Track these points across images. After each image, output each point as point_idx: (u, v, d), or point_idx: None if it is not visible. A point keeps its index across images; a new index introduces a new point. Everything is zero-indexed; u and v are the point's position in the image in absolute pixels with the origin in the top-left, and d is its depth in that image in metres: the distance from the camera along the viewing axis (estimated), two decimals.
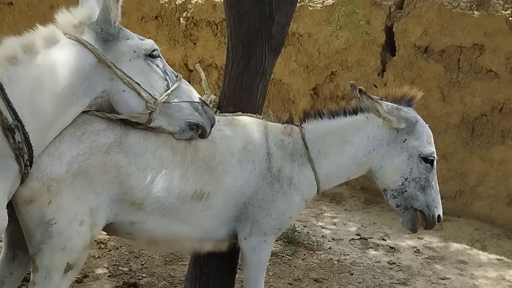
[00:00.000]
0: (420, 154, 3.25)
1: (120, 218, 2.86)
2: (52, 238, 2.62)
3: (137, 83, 2.73)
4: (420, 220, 3.34)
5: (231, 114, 3.45)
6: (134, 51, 2.75)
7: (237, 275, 3.90)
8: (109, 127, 2.77)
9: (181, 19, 9.19)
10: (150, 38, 2.95)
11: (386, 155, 3.28)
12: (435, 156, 3.32)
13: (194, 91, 2.98)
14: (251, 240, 3.16)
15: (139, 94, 2.72)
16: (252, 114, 3.45)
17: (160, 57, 2.87)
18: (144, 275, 4.82)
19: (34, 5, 10.12)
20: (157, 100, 2.77)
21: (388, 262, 5.75)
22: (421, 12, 7.06)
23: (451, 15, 6.83)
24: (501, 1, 6.56)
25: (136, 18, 9.49)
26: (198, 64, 4.04)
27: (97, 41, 2.66)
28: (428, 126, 3.39)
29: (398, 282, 5.28)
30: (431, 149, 3.29)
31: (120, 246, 5.30)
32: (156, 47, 2.84)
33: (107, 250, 5.20)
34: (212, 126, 2.99)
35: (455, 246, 6.38)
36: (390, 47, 7.50)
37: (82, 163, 2.66)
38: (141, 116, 2.77)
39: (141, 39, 2.83)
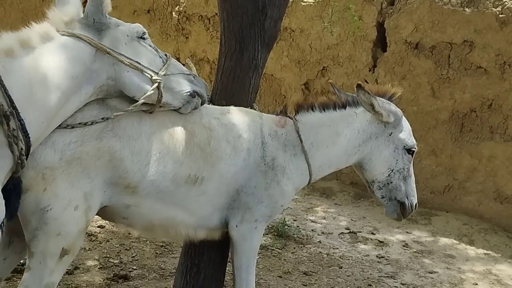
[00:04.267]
0: (405, 146, 3.47)
1: (115, 201, 2.91)
2: (48, 224, 2.67)
3: (137, 62, 2.86)
4: (399, 209, 3.56)
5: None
6: (127, 35, 2.89)
7: (227, 267, 3.94)
8: (100, 113, 2.81)
9: (173, 13, 9.18)
10: None
11: (375, 148, 3.45)
12: (416, 147, 3.55)
13: (182, 65, 3.17)
14: (242, 227, 3.21)
15: (142, 71, 2.86)
16: (245, 108, 3.49)
17: (148, 38, 3.03)
18: (134, 267, 4.83)
19: None
20: (158, 73, 2.91)
21: (377, 256, 5.80)
22: (412, 8, 7.10)
23: (442, 12, 6.88)
24: None
25: (128, 11, 9.47)
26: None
27: (90, 33, 2.77)
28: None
29: (386, 275, 5.33)
30: (413, 141, 3.53)
31: (111, 239, 5.32)
32: (144, 29, 3.00)
33: (98, 242, 5.22)
34: (206, 93, 3.15)
35: (443, 240, 6.44)
36: (381, 43, 7.53)
37: (74, 150, 2.71)
38: (152, 94, 2.87)
39: (130, 24, 2.98)
